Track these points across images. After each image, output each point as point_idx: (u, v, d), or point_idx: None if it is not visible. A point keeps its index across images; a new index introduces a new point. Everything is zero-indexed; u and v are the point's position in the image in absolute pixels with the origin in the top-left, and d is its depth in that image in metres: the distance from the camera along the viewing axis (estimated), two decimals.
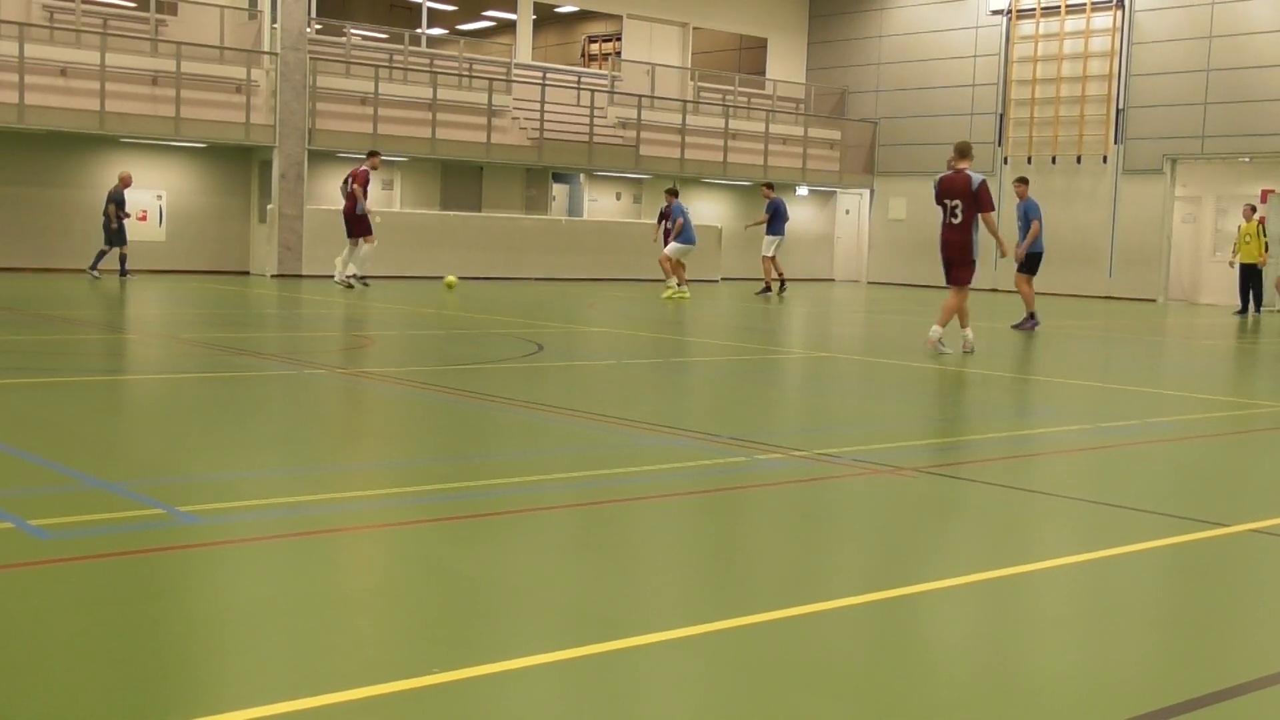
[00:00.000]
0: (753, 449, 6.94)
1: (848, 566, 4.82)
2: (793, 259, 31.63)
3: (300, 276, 24.16)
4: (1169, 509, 5.91)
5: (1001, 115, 30.42)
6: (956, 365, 11.99)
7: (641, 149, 28.85)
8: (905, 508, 5.76)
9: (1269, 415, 9.59)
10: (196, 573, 4.32)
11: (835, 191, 33.97)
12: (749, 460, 6.65)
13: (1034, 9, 29.83)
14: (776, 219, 23.99)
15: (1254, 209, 22.40)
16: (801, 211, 33.19)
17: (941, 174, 12.92)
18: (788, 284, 24.98)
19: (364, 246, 20.89)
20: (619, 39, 31.93)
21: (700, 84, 32.36)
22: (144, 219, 23.64)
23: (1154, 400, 10.17)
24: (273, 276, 24.09)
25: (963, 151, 12.68)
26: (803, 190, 33.11)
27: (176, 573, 4.30)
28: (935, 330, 12.73)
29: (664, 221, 22.40)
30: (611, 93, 29.95)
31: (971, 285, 13.11)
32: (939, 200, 12.76)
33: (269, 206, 24.45)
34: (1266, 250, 22.08)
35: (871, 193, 33.48)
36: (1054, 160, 29.16)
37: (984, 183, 12.68)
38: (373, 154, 21.19)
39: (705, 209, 31.37)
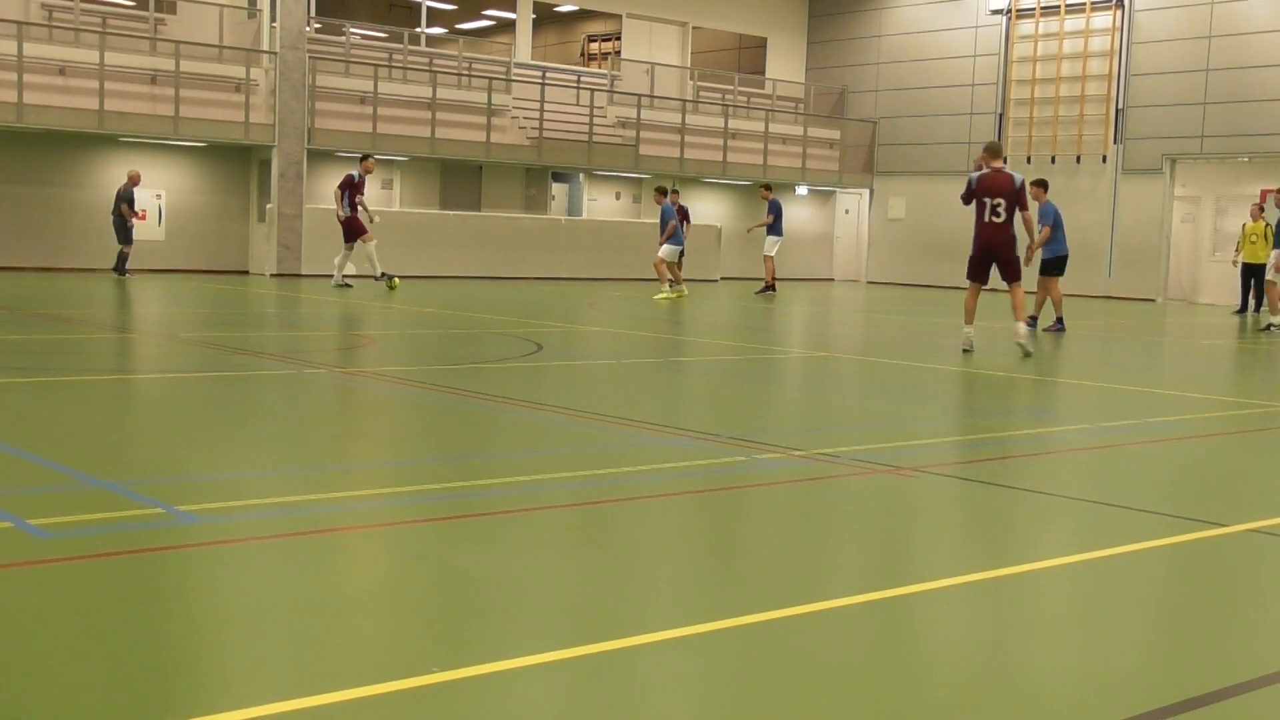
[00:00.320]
0: (752, 449, 6.94)
1: (847, 566, 4.83)
2: (792, 259, 31.66)
3: (299, 276, 24.16)
4: (1168, 509, 5.91)
5: (1001, 115, 30.43)
6: (957, 365, 11.99)
7: (641, 148, 28.85)
8: (904, 507, 5.76)
9: (1267, 415, 9.59)
10: (196, 572, 4.33)
11: (834, 191, 33.97)
12: (748, 460, 6.65)
13: (1033, 9, 29.83)
14: (779, 219, 24.14)
15: (1261, 209, 22.29)
16: (801, 211, 33.20)
17: (977, 173, 12.97)
18: (776, 286, 24.98)
19: (365, 246, 20.75)
20: (618, 38, 31.93)
21: (700, 83, 32.36)
22: (143, 218, 23.62)
23: (1153, 400, 10.17)
24: (272, 276, 24.09)
25: (995, 151, 13.01)
26: (802, 190, 33.11)
27: (176, 572, 4.30)
28: (1021, 328, 12.82)
29: (682, 221, 22.33)
30: (611, 92, 29.95)
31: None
32: (976, 198, 12.84)
33: (268, 206, 24.45)
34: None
35: (871, 192, 33.49)
36: (1053, 160, 29.16)
37: (1024, 182, 13.12)
38: (365, 157, 21.02)
39: (705, 208, 31.38)
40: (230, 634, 3.67)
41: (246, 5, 25.45)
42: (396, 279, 20.80)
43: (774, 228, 24.03)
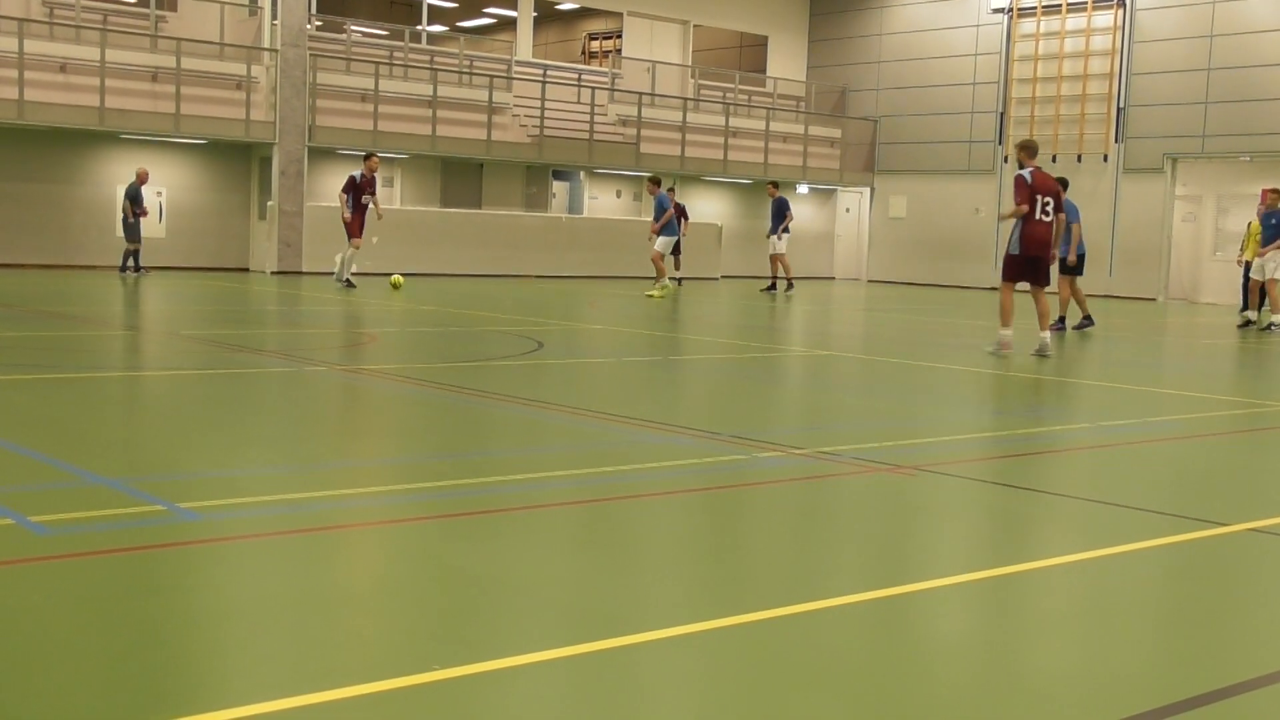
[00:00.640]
0: (753, 447, 6.94)
1: (848, 564, 4.83)
2: (793, 257, 31.56)
3: (300, 273, 24.16)
4: (1169, 508, 5.91)
5: (1002, 114, 30.42)
6: (958, 364, 11.99)
7: (642, 146, 28.85)
8: (905, 506, 5.76)
9: (1269, 415, 9.59)
10: (197, 569, 4.33)
11: (835, 189, 33.97)
12: (749, 458, 6.65)
13: (1035, 7, 29.83)
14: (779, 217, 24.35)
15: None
16: (802, 210, 33.17)
17: (1026, 170, 12.74)
18: (787, 283, 25.00)
19: (350, 248, 20.74)
20: (619, 36, 31.93)
21: (701, 82, 32.35)
22: (145, 214, 23.62)
23: (1154, 399, 10.17)
24: (272, 273, 24.10)
25: (1035, 150, 12.88)
26: (803, 188, 33.11)
27: (177, 569, 4.30)
28: (1005, 334, 12.65)
29: (679, 218, 22.28)
30: (612, 90, 29.95)
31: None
32: (1039, 195, 12.61)
33: (269, 203, 24.46)
34: None
35: (872, 191, 33.48)
36: (1054, 159, 29.14)
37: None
38: (369, 156, 20.93)
39: (705, 207, 31.40)
40: (231, 631, 3.67)
41: (248, 3, 25.45)
42: (396, 280, 20.67)
43: (786, 226, 24.28)
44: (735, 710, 3.18)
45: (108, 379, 9.41)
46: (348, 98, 25.23)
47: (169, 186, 24.71)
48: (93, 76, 22.38)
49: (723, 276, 29.98)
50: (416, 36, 28.22)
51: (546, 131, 27.30)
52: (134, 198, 21.50)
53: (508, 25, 31.37)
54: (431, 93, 25.80)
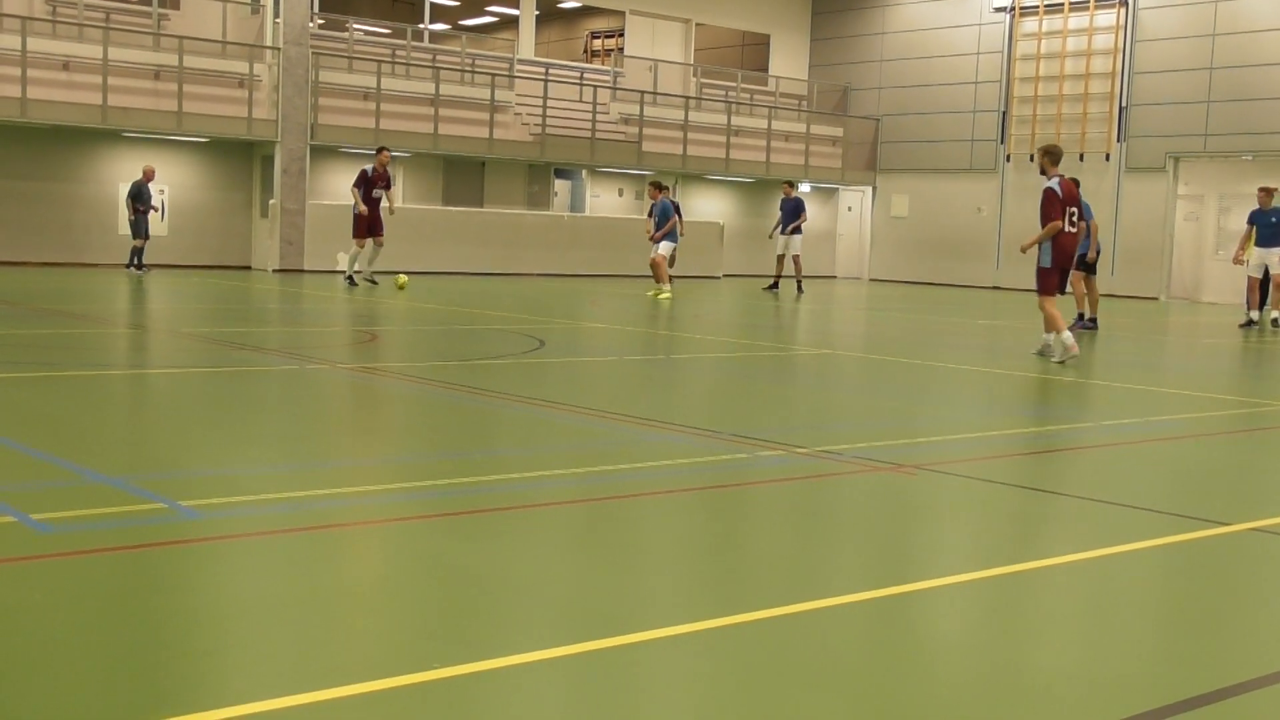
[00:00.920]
0: (754, 445, 6.94)
1: (849, 563, 4.83)
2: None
3: (302, 271, 24.16)
4: (1170, 508, 5.91)
5: (1004, 113, 30.40)
6: (959, 363, 11.99)
7: (644, 145, 28.84)
8: (907, 505, 5.76)
9: (1271, 414, 9.58)
10: (198, 567, 4.33)
11: (837, 188, 33.95)
12: (751, 457, 6.65)
13: (1037, 6, 29.80)
14: (790, 216, 24.48)
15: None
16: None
17: (1053, 181, 12.39)
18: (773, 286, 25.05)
19: (357, 246, 20.72)
20: (622, 35, 31.92)
21: (703, 80, 32.33)
22: (152, 211, 23.63)
23: (1156, 398, 10.16)
24: (274, 272, 24.10)
25: (1059, 156, 12.56)
26: (805, 187, 33.08)
27: (178, 567, 4.30)
28: (1068, 336, 12.22)
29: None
30: (614, 89, 29.94)
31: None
32: (1066, 205, 12.29)
33: (271, 201, 24.46)
34: None
35: (874, 190, 33.46)
36: None
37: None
38: (380, 150, 20.81)
39: (707, 205, 31.39)
40: (232, 629, 3.68)
41: (250, 1, 25.44)
42: (401, 280, 20.41)
43: (798, 226, 24.35)
44: (736, 709, 3.18)
45: (109, 377, 9.41)
46: (350, 96, 25.23)
47: (171, 184, 24.71)
48: (95, 74, 22.39)
49: (725, 275, 29.96)
50: (419, 35, 28.21)
51: (548, 130, 27.29)
52: (136, 196, 21.50)
53: (510, 24, 31.36)
54: (434, 91, 25.80)
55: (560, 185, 29.52)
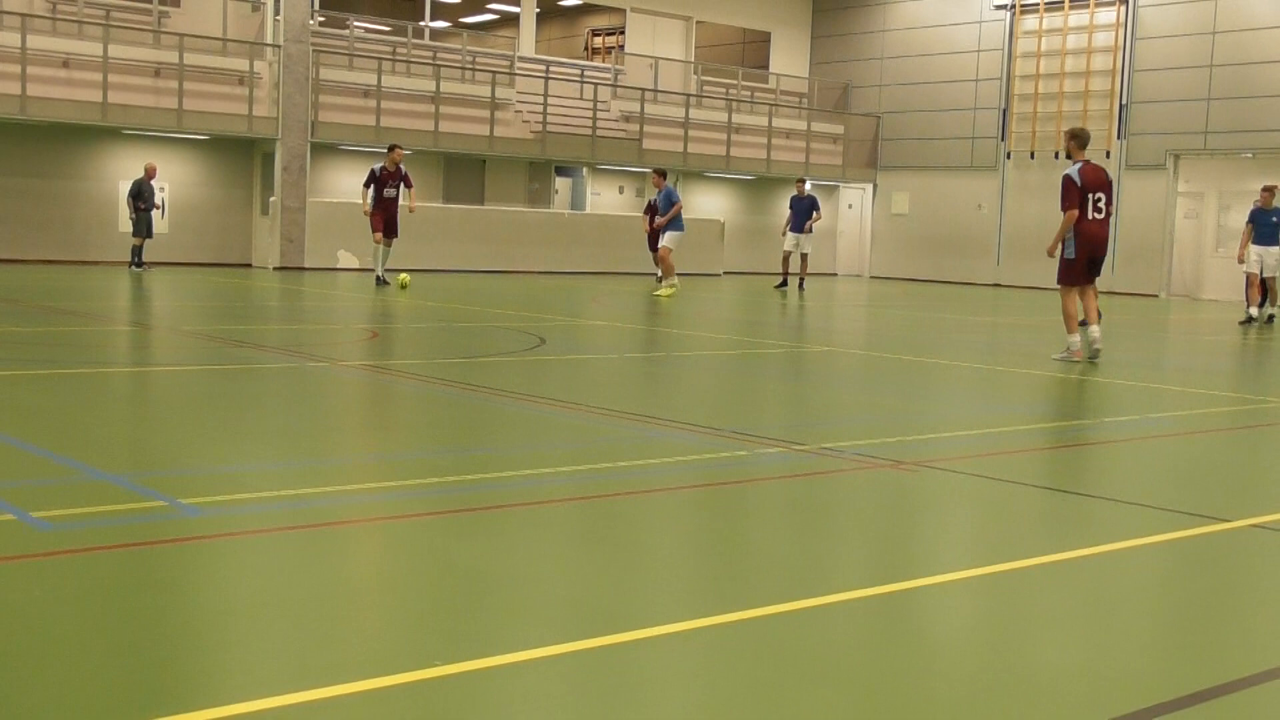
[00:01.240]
0: (755, 443, 6.94)
1: (849, 561, 4.82)
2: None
3: (302, 269, 24.16)
4: (1171, 504, 5.90)
5: (1005, 110, 30.39)
6: (959, 361, 11.98)
7: (644, 143, 28.83)
8: (907, 502, 5.76)
9: (1271, 410, 9.58)
10: (199, 565, 4.33)
11: (838, 186, 33.94)
12: (751, 454, 6.65)
13: (1037, 4, 29.79)
14: (800, 215, 24.55)
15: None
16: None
17: (1075, 167, 12.01)
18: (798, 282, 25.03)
19: (374, 246, 20.55)
20: (622, 32, 31.91)
21: (703, 78, 32.33)
22: (155, 209, 23.64)
23: (1157, 395, 10.16)
24: (275, 269, 24.10)
25: (1086, 140, 12.14)
26: (806, 185, 33.07)
27: (179, 565, 4.30)
28: (1094, 330, 12.12)
29: (652, 213, 22.01)
30: (615, 86, 29.93)
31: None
32: (1088, 193, 11.90)
33: (271, 199, 24.46)
34: None
35: (874, 187, 33.46)
36: (1057, 155, 29.11)
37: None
38: (393, 147, 20.54)
39: (708, 203, 31.39)
40: (233, 627, 3.67)
41: None
42: (403, 280, 20.27)
43: (797, 224, 24.40)
44: (738, 706, 3.18)
45: (109, 374, 9.41)
46: (350, 93, 25.22)
47: (171, 182, 24.71)
48: (95, 72, 22.38)
49: (725, 273, 29.96)
50: (419, 32, 28.20)
51: (549, 127, 27.29)
52: (136, 194, 21.50)
53: (510, 21, 31.36)
54: (434, 88, 25.79)
55: (561, 183, 29.51)
